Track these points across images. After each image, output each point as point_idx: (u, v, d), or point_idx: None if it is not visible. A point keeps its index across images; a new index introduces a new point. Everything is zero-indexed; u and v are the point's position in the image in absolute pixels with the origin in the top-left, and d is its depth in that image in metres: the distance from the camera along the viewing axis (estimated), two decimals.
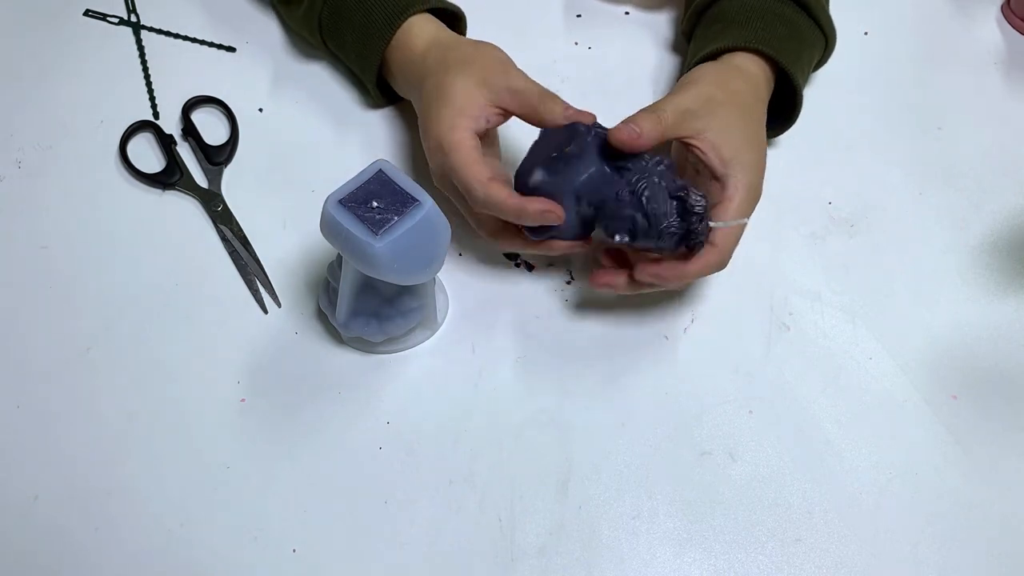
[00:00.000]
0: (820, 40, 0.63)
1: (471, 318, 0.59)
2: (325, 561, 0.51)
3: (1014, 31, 0.73)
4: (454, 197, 0.56)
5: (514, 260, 0.61)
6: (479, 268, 0.61)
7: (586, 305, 0.59)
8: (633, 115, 0.52)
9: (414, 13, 0.60)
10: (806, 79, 0.63)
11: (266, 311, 0.59)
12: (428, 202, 0.46)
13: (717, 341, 0.58)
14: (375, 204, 0.45)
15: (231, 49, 0.70)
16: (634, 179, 0.50)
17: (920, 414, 0.56)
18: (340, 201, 0.45)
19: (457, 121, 0.53)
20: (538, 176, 0.53)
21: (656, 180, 0.50)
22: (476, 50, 0.57)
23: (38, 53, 0.69)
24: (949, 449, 0.55)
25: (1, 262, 0.60)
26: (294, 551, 0.51)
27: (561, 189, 0.51)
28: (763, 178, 0.55)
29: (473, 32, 0.65)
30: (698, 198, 0.49)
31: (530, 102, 0.53)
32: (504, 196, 0.51)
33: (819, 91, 0.69)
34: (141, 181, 0.63)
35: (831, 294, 0.60)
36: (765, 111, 0.59)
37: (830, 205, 0.64)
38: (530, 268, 0.61)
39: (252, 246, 0.61)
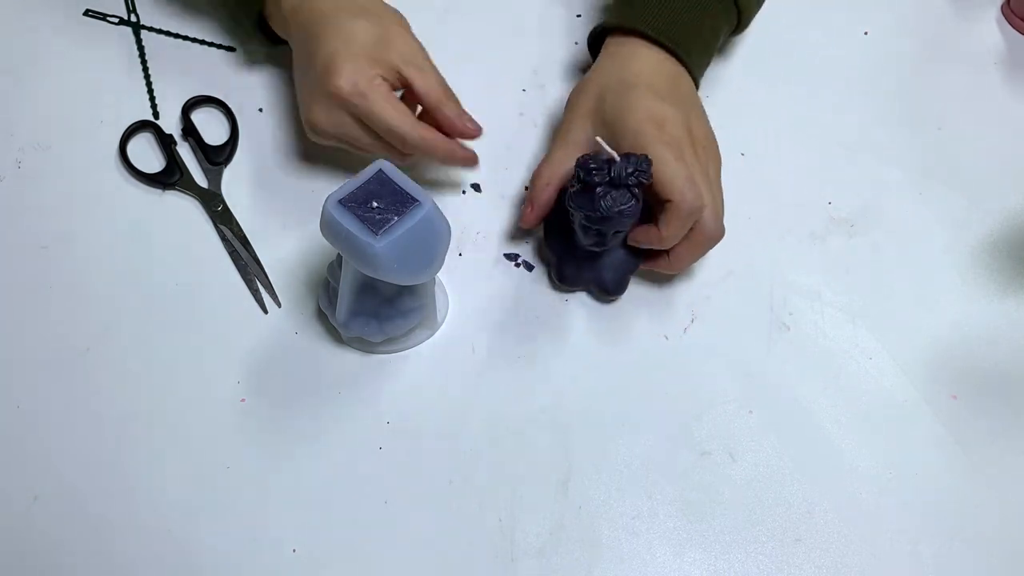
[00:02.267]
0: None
1: (471, 318, 0.59)
2: (325, 561, 0.51)
3: (1014, 31, 0.73)
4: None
5: (514, 260, 0.61)
6: (479, 268, 0.61)
7: (586, 305, 0.59)
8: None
9: None
10: (715, 37, 0.60)
11: (266, 311, 0.59)
12: (428, 202, 0.46)
13: (717, 341, 0.58)
14: (375, 204, 0.45)
15: (231, 49, 0.70)
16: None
17: (920, 414, 0.56)
18: (340, 201, 0.45)
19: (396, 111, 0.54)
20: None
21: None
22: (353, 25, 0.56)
23: (38, 53, 0.69)
24: (949, 449, 0.55)
25: (1, 262, 0.60)
26: (294, 551, 0.51)
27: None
28: (686, 126, 0.54)
29: (473, 32, 0.65)
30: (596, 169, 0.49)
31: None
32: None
33: (819, 90, 0.69)
34: (141, 181, 0.63)
35: (831, 294, 0.60)
36: (666, 70, 0.57)
37: (830, 205, 0.64)
38: (530, 268, 0.61)
39: (252, 246, 0.61)
